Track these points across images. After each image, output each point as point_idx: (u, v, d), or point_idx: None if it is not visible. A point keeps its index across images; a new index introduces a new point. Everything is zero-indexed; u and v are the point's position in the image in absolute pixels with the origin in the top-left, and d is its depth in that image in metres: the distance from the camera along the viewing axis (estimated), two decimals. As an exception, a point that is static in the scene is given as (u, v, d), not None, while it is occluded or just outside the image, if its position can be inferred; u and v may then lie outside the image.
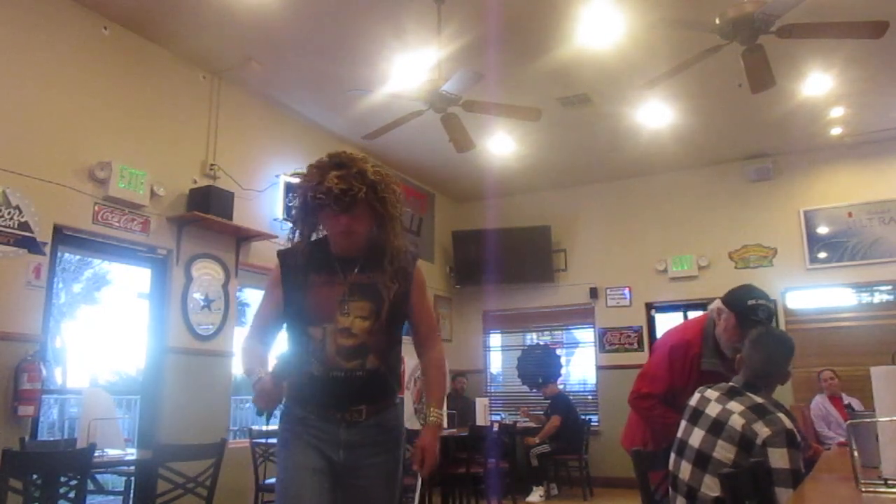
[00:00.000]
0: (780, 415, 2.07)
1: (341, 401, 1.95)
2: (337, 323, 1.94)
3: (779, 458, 1.98)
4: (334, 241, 2.01)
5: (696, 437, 2.16)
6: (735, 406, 2.11)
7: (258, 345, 1.98)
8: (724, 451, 2.06)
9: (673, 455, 2.25)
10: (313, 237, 2.04)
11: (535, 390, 8.19)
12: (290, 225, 2.08)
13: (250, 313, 7.44)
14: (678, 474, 2.19)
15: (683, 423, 2.26)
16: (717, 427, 2.10)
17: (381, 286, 1.99)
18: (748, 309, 2.58)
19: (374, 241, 2.02)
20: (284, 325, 2.05)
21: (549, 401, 7.46)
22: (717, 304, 2.72)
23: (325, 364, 1.93)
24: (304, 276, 1.99)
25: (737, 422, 2.06)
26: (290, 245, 2.05)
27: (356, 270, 2.00)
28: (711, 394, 2.22)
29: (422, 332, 2.16)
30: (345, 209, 1.89)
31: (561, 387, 7.94)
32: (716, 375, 2.56)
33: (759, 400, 2.12)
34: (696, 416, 2.21)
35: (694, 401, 2.26)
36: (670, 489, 2.23)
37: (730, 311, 2.63)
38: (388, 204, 1.96)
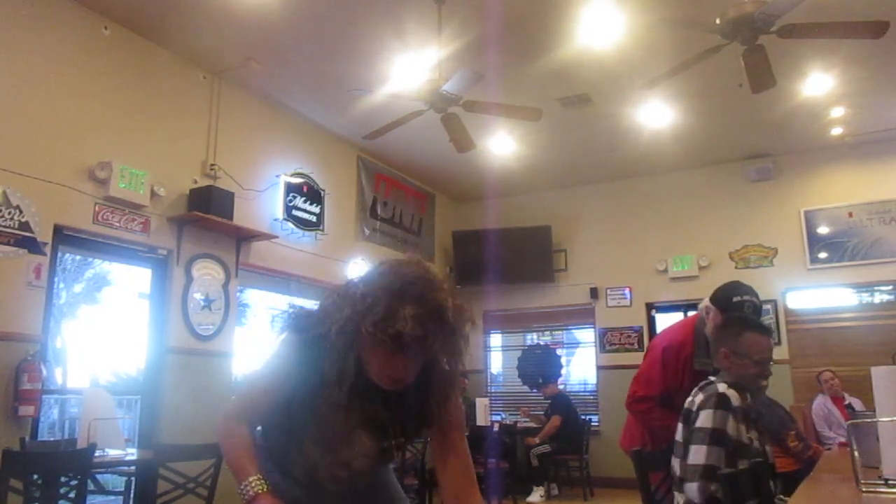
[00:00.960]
0: (719, 384, 2.10)
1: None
2: (338, 454, 1.56)
3: (704, 419, 2.01)
4: (377, 379, 1.51)
5: (678, 432, 2.22)
6: (695, 391, 2.19)
7: (247, 434, 1.54)
8: (679, 434, 2.14)
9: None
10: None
11: (535, 390, 8.19)
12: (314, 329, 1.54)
13: (251, 314, 7.45)
14: (674, 472, 2.21)
15: None
16: (684, 414, 2.18)
17: (392, 429, 1.60)
18: (734, 306, 2.57)
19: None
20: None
21: (549, 401, 7.46)
22: (706, 302, 2.72)
23: (313, 479, 1.60)
24: (322, 382, 1.53)
25: (689, 402, 2.15)
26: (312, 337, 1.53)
27: (379, 402, 1.56)
28: (694, 391, 2.27)
29: (457, 478, 1.61)
30: (410, 357, 1.45)
31: (561, 387, 7.94)
32: (709, 375, 2.58)
33: (710, 379, 2.18)
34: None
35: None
36: (674, 490, 2.24)
37: (717, 310, 2.62)
38: (458, 355, 1.55)
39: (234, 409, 1.58)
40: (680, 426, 2.20)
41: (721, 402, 2.02)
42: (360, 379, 1.51)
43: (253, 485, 1.44)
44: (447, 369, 1.56)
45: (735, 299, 2.59)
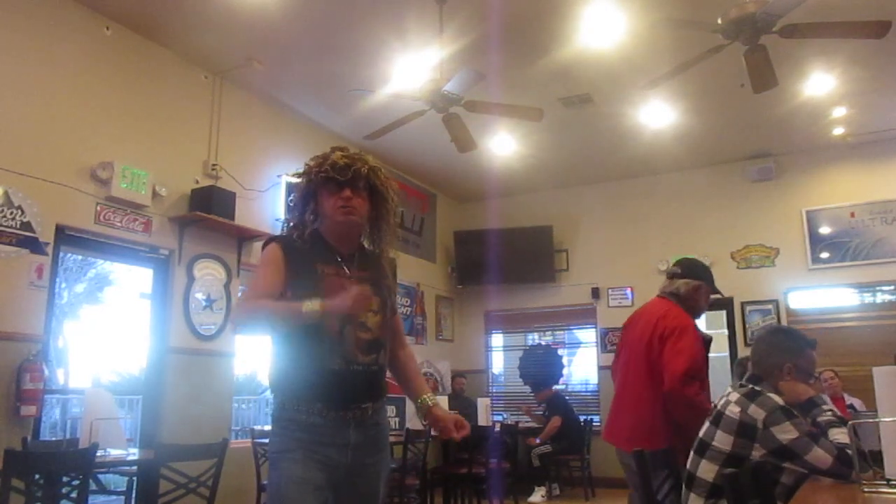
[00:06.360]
0: (770, 394, 2.15)
1: (356, 397, 1.91)
2: (354, 316, 1.90)
3: (786, 432, 2.05)
4: (334, 225, 1.98)
5: (703, 429, 2.25)
6: (733, 395, 2.20)
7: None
8: (721, 441, 2.13)
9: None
10: (307, 230, 2.02)
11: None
12: (285, 218, 2.11)
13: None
14: (688, 467, 2.25)
15: None
16: (718, 417, 2.19)
17: (382, 280, 2.03)
18: (710, 274, 3.14)
19: (368, 232, 2.08)
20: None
21: (543, 405, 7.47)
22: (681, 286, 3.07)
23: (346, 358, 1.89)
24: (311, 265, 1.93)
25: (733, 410, 2.14)
26: (284, 233, 2.05)
27: (355, 265, 2.01)
28: (737, 399, 2.26)
29: (398, 328, 2.20)
30: (349, 182, 1.94)
31: (561, 386, 7.94)
32: (707, 341, 3.00)
33: (756, 388, 2.20)
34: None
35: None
36: (688, 490, 2.24)
37: (704, 283, 3.08)
38: (387, 189, 2.04)
39: (249, 294, 1.95)
40: (729, 437, 2.13)
41: (790, 414, 2.08)
42: (334, 253, 1.99)
43: (308, 304, 1.78)
44: (383, 197, 2.03)
45: (710, 268, 3.20)
